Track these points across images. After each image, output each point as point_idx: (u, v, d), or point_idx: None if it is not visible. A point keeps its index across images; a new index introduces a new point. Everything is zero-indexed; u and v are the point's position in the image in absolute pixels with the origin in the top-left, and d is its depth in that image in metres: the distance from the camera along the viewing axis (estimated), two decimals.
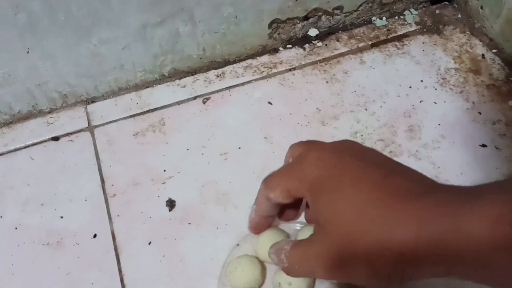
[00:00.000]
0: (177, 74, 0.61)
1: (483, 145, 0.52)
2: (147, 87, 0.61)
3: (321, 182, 0.31)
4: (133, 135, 0.56)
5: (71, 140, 0.56)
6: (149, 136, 0.56)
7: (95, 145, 0.55)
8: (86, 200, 0.51)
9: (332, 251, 0.29)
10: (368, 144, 0.53)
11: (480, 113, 0.55)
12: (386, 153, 0.52)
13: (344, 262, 0.28)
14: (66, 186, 0.52)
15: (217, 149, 0.54)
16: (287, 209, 0.38)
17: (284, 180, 0.34)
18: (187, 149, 0.54)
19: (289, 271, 0.33)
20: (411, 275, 0.26)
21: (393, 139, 0.54)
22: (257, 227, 0.41)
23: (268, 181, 0.36)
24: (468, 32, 0.64)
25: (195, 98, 0.59)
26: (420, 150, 0.52)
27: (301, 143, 0.36)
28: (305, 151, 0.33)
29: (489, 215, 0.23)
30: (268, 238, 0.41)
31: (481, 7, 0.62)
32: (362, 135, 0.54)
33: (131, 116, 0.58)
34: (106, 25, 0.53)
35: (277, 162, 0.50)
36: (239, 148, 0.54)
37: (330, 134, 0.55)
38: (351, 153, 0.31)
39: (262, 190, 0.36)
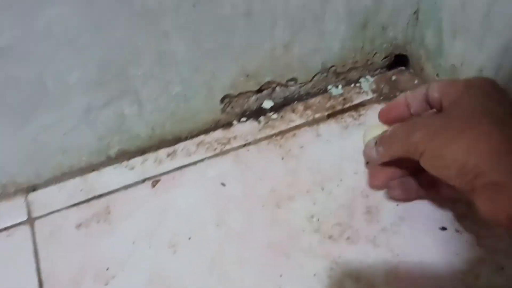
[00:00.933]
0: (125, 155, 0.58)
1: (443, 228, 0.50)
2: (93, 170, 0.57)
3: (460, 95, 0.39)
4: (76, 226, 0.53)
5: (9, 236, 0.52)
6: (93, 227, 0.52)
7: (34, 241, 0.51)
8: None
9: (437, 124, 0.38)
10: (324, 228, 0.51)
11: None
12: (343, 239, 0.50)
13: (438, 134, 0.37)
14: None
15: (166, 239, 0.51)
16: None
17: (446, 85, 0.42)
18: (133, 242, 0.51)
19: (387, 139, 0.44)
20: None
21: (350, 223, 0.51)
22: (392, 109, 0.49)
23: (440, 80, 0.47)
24: None
25: (143, 181, 0.56)
26: (379, 236, 0.50)
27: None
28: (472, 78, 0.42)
29: None
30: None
31: (437, 75, 0.61)
32: (318, 219, 0.52)
33: (74, 205, 0.54)
34: (45, 110, 0.50)
35: (230, 251, 0.47)
36: (189, 238, 0.51)
37: (285, 217, 0.52)
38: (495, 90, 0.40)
39: (427, 84, 0.44)
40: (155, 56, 0.50)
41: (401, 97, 0.46)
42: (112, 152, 0.57)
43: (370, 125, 0.51)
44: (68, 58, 0.47)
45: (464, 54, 0.55)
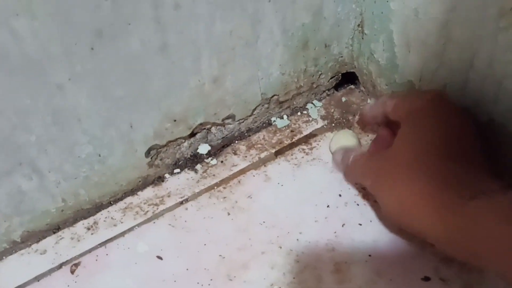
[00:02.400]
0: (33, 236, 0.47)
1: (426, 278, 0.42)
2: None
3: (419, 112, 0.39)
4: None
5: None
6: None
7: None
8: None
9: (385, 170, 0.39)
10: None
11: None
12: None
13: (384, 183, 0.39)
14: None
15: None
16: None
17: (403, 101, 0.42)
18: None
19: (348, 171, 0.46)
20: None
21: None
22: (363, 121, 0.52)
23: (396, 94, 0.48)
24: None
25: (60, 266, 0.45)
26: None
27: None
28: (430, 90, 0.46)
29: None
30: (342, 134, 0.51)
31: (393, 93, 0.54)
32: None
33: None
34: None
35: None
36: None
37: None
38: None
39: (384, 97, 0.45)
40: (49, 116, 0.40)
41: (365, 110, 0.49)
42: (16, 235, 0.46)
43: (337, 133, 0.53)
44: None
45: (422, 68, 0.48)
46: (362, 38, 0.54)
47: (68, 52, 0.37)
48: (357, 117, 0.53)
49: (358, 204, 0.48)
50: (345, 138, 0.51)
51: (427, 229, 0.34)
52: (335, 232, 0.46)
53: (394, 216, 0.38)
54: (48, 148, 0.42)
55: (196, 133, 0.51)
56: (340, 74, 0.58)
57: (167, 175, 0.51)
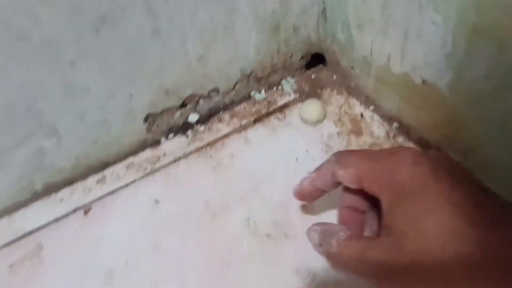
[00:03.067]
0: (52, 189, 0.56)
1: None
2: (20, 208, 0.55)
3: (409, 187, 0.28)
4: (9, 268, 0.50)
5: None
6: (26, 267, 0.50)
7: None
8: None
9: (401, 263, 0.26)
10: (262, 229, 0.51)
11: None
12: (281, 235, 0.50)
13: (410, 276, 0.27)
14: None
15: (102, 269, 0.50)
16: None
17: (363, 165, 0.31)
18: (69, 276, 0.49)
19: (335, 260, 0.32)
20: None
21: (286, 220, 0.52)
22: (305, 197, 0.40)
23: (343, 157, 0.33)
24: (345, 92, 0.65)
25: (74, 211, 0.55)
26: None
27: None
28: (397, 148, 0.31)
29: None
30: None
31: (352, 68, 0.63)
32: (255, 221, 0.52)
33: (4, 246, 0.52)
34: None
35: (169, 275, 0.47)
36: (125, 265, 0.50)
37: (222, 227, 0.52)
38: (445, 166, 0.29)
39: (330, 163, 0.33)
40: (64, 88, 0.50)
41: (306, 181, 0.38)
42: (38, 187, 0.55)
43: (306, 101, 0.61)
44: None
45: (372, 45, 0.57)
46: (326, 22, 0.64)
47: (78, 34, 0.47)
48: (296, 190, 0.42)
49: (321, 158, 0.57)
50: (311, 106, 0.61)
51: None
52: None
53: None
54: (63, 114, 0.51)
55: (186, 104, 0.61)
56: (310, 55, 0.67)
57: (162, 139, 0.61)
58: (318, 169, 0.36)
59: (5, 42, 0.43)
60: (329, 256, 0.33)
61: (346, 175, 0.32)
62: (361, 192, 0.33)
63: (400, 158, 0.29)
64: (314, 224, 0.36)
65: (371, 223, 0.35)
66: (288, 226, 0.51)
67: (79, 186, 0.57)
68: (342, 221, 0.37)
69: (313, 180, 0.38)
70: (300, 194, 0.40)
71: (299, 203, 0.53)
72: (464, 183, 0.27)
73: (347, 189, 0.35)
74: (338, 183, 0.34)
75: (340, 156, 0.33)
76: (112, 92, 0.53)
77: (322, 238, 0.34)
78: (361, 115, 0.62)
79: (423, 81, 0.52)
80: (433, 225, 0.26)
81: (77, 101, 0.51)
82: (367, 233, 0.36)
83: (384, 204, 0.29)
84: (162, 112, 0.59)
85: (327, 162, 0.34)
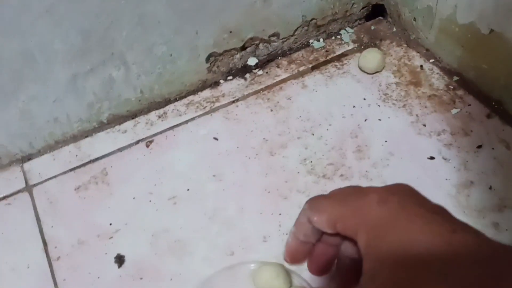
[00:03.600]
0: (116, 120, 0.59)
1: (431, 158, 0.52)
2: (86, 136, 0.58)
3: (381, 225, 0.27)
4: (75, 189, 0.53)
5: (9, 204, 0.53)
6: (92, 189, 0.53)
7: (34, 207, 0.52)
8: (28, 267, 0.48)
9: None
10: (318, 169, 0.52)
11: (424, 125, 0.55)
12: (337, 176, 0.52)
13: None
14: (7, 254, 0.49)
15: (165, 194, 0.52)
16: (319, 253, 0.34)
17: (335, 209, 0.30)
18: (133, 198, 0.52)
19: None
20: None
21: (342, 162, 0.53)
22: (295, 256, 0.36)
23: (315, 203, 0.32)
24: (404, 45, 0.65)
25: (137, 142, 0.57)
26: (370, 170, 0.52)
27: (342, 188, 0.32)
28: (361, 189, 0.30)
29: None
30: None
31: (414, 19, 0.63)
32: (311, 161, 0.53)
33: (71, 170, 0.55)
34: (33, 81, 0.51)
35: (229, 200, 0.49)
36: (188, 190, 0.52)
37: (279, 163, 0.53)
38: (412, 199, 0.28)
39: (305, 211, 0.32)
40: (136, 18, 0.51)
41: (291, 240, 0.35)
42: (104, 117, 0.58)
43: (365, 51, 0.60)
44: (48, 28, 0.47)
45: None
46: None
47: None
48: (285, 253, 0.35)
49: (379, 106, 0.58)
50: (371, 55, 0.61)
51: None
52: (358, 125, 0.56)
53: None
54: (133, 45, 0.53)
55: (247, 47, 0.62)
56: (371, 5, 0.67)
57: (221, 81, 0.63)
58: (296, 221, 0.34)
59: None
60: None
61: (320, 221, 0.31)
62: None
63: (368, 199, 0.29)
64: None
65: (346, 253, 0.34)
66: (344, 168, 0.52)
67: (142, 119, 0.59)
68: (292, 254, 0.36)
69: (295, 233, 0.35)
70: (290, 255, 0.35)
71: (355, 146, 0.54)
72: (435, 220, 0.27)
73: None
74: (319, 231, 0.32)
75: (313, 203, 0.32)
76: (179, 27, 0.54)
77: None
78: (421, 67, 0.62)
79: (491, 31, 0.52)
80: (413, 264, 0.25)
81: (148, 32, 0.53)
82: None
83: (361, 247, 0.29)
84: (224, 53, 0.60)
85: (302, 211, 0.33)
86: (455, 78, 0.59)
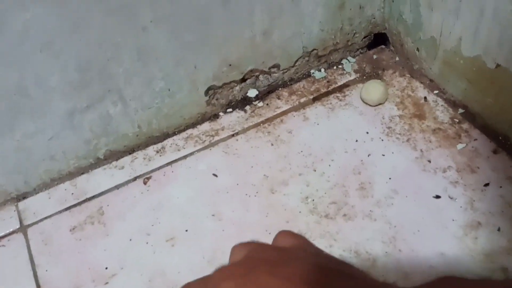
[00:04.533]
0: (113, 156, 0.57)
1: (437, 196, 0.51)
2: (82, 173, 0.57)
3: None
4: (70, 230, 0.52)
5: (3, 245, 0.51)
6: (88, 229, 0.52)
7: (29, 248, 0.50)
8: None
9: None
10: (320, 208, 0.51)
11: (429, 161, 0.54)
12: (340, 216, 0.50)
13: None
14: None
15: (163, 234, 0.50)
16: None
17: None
18: (130, 240, 0.50)
19: None
20: None
21: (345, 200, 0.51)
22: None
23: None
24: (407, 75, 0.64)
25: (135, 179, 0.56)
26: (374, 210, 0.50)
27: (241, 246, 0.31)
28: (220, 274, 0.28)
29: None
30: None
31: (417, 49, 0.62)
32: (313, 200, 0.52)
33: (66, 209, 0.54)
34: (29, 118, 0.50)
35: (228, 242, 0.47)
36: (186, 231, 0.51)
37: (280, 202, 0.52)
38: (265, 268, 0.25)
39: None
40: (135, 52, 0.50)
41: None
42: (100, 153, 0.56)
43: (367, 82, 0.60)
44: (46, 61, 0.46)
45: (442, 25, 0.56)
46: (393, 1, 0.62)
47: None
48: None
49: (382, 140, 0.57)
50: (373, 87, 0.60)
51: None
52: (361, 160, 0.55)
53: None
54: (132, 79, 0.52)
55: (246, 79, 0.61)
56: (373, 35, 0.66)
57: (221, 113, 0.61)
58: None
59: (83, 3, 0.44)
60: None
61: None
62: None
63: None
64: None
65: None
66: (348, 207, 0.51)
67: (140, 155, 0.58)
68: None
69: None
70: None
71: (358, 183, 0.53)
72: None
73: None
74: None
75: None
76: (179, 60, 0.53)
77: None
78: (425, 98, 0.60)
79: (497, 65, 0.50)
80: None
81: (147, 66, 0.52)
82: None
83: None
84: (223, 85, 0.59)
85: None
86: (460, 110, 0.58)
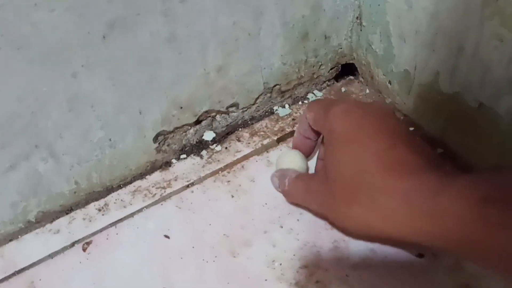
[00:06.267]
0: (47, 217, 0.49)
1: (420, 255, 0.45)
2: (10, 240, 0.48)
3: (339, 130, 0.36)
4: None
5: None
6: None
7: None
8: None
9: (326, 193, 0.37)
10: (289, 275, 0.44)
11: None
12: (312, 284, 0.43)
13: (332, 205, 0.37)
14: None
15: None
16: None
17: (318, 112, 0.40)
18: None
19: (287, 195, 0.46)
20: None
21: (318, 264, 0.45)
22: (299, 145, 0.48)
23: (311, 104, 0.45)
24: None
25: (72, 245, 0.48)
26: (350, 274, 0.44)
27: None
28: (339, 99, 0.47)
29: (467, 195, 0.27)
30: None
31: (389, 82, 0.56)
32: (281, 264, 0.45)
33: None
34: None
35: None
36: None
37: (243, 267, 0.45)
38: (374, 115, 0.37)
39: (305, 110, 0.44)
40: (66, 102, 0.42)
41: (296, 132, 0.49)
42: (31, 216, 0.48)
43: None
44: None
45: (416, 58, 0.50)
46: (361, 30, 0.57)
47: (82, 41, 0.40)
48: (292, 144, 0.50)
49: None
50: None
51: (411, 235, 0.32)
52: None
53: (361, 229, 0.37)
54: (63, 132, 0.44)
55: (201, 121, 0.54)
56: (340, 65, 0.60)
57: (174, 160, 0.54)
58: (299, 119, 0.47)
59: (1, 51, 0.36)
60: (284, 193, 0.46)
61: (309, 118, 0.42)
62: None
63: (338, 107, 0.38)
64: (275, 171, 0.48)
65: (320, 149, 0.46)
66: (320, 271, 0.44)
67: (78, 214, 0.50)
68: (295, 145, 0.48)
69: (298, 128, 0.47)
70: (295, 145, 0.49)
71: (331, 242, 0.46)
72: (384, 131, 0.35)
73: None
74: (311, 128, 0.43)
75: (309, 103, 0.47)
76: (119, 107, 0.46)
77: (280, 179, 0.45)
78: None
79: (479, 104, 0.45)
80: (346, 157, 0.35)
81: (80, 117, 0.44)
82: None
83: (324, 145, 0.41)
84: (174, 130, 0.52)
85: (304, 110, 0.44)
86: (439, 150, 0.52)
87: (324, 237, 0.47)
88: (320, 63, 0.58)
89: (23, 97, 0.40)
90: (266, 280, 0.44)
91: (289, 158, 0.48)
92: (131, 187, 0.52)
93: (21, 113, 0.41)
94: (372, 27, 0.54)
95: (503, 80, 0.41)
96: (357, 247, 0.46)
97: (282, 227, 0.48)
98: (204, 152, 0.55)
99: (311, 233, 0.47)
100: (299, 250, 0.46)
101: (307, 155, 0.49)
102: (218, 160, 0.54)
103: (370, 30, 0.55)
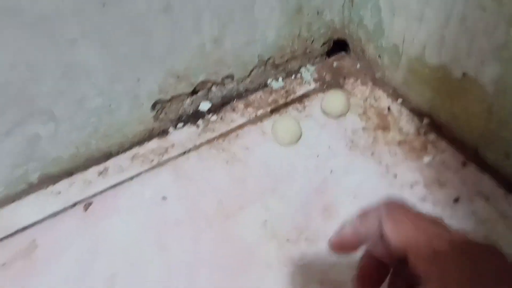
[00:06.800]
0: (49, 180, 0.51)
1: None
2: (13, 201, 0.50)
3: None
4: (0, 266, 0.45)
5: None
6: (17, 267, 0.45)
7: None
8: None
9: None
10: (280, 233, 0.46)
11: (395, 176, 0.50)
12: (302, 240, 0.46)
13: None
14: None
15: (103, 274, 0.44)
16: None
17: (414, 235, 0.26)
18: (65, 281, 0.44)
19: None
20: None
21: (308, 225, 0.47)
22: (342, 243, 0.31)
23: (395, 212, 0.28)
24: (370, 83, 0.60)
25: (73, 205, 0.50)
26: None
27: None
28: (448, 232, 0.27)
29: None
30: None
31: (379, 56, 0.58)
32: (273, 224, 0.47)
33: None
34: None
35: (179, 280, 0.42)
36: (129, 268, 0.45)
37: (236, 232, 0.47)
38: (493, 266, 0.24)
39: (379, 210, 0.28)
40: (60, 70, 0.44)
41: (348, 228, 0.31)
42: (33, 178, 0.50)
43: (329, 92, 0.54)
44: None
45: (405, 31, 0.52)
46: (352, 6, 0.58)
47: (79, 9, 0.41)
48: (335, 240, 0.31)
49: (345, 155, 0.53)
50: (335, 98, 0.55)
51: None
52: (324, 178, 0.51)
53: None
54: (59, 99, 0.46)
55: (198, 91, 0.55)
56: (332, 41, 0.62)
57: (171, 129, 0.56)
58: (363, 214, 0.30)
59: None
60: None
61: (391, 235, 0.27)
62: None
63: (452, 248, 0.26)
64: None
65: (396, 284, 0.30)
66: (309, 230, 0.46)
67: (78, 178, 0.52)
68: (361, 273, 0.31)
69: (356, 224, 0.30)
70: (339, 240, 0.31)
71: (321, 205, 0.48)
72: None
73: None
74: (382, 237, 0.28)
75: (393, 209, 0.28)
76: (116, 75, 0.48)
77: None
78: (388, 108, 0.57)
79: (464, 74, 0.47)
80: None
81: (76, 85, 0.46)
82: None
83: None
84: (172, 99, 0.54)
85: (376, 208, 0.29)
86: (426, 120, 0.55)
87: (314, 201, 0.49)
88: (313, 38, 0.59)
89: (16, 63, 0.41)
90: (258, 240, 0.46)
91: (285, 126, 0.52)
92: (129, 153, 0.54)
93: (14, 79, 0.42)
94: (364, 3, 0.56)
95: (487, 50, 0.43)
96: (347, 209, 0.48)
97: (274, 192, 0.50)
98: (200, 122, 0.57)
99: (303, 198, 0.49)
100: (291, 213, 0.48)
101: (344, 252, 0.31)
102: (214, 129, 0.56)
103: (361, 6, 0.57)
